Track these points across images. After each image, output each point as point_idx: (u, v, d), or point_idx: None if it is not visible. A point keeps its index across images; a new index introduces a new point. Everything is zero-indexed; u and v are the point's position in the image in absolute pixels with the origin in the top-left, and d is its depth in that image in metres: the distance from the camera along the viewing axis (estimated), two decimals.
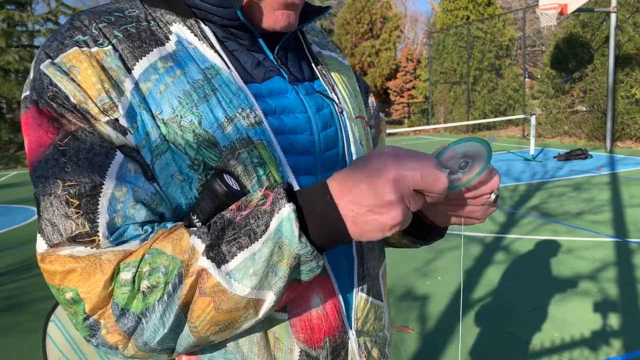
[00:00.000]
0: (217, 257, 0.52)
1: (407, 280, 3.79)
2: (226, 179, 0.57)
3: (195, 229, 0.56)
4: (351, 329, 0.68)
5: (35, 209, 7.56)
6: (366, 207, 0.51)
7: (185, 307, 0.54)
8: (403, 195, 0.51)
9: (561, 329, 2.91)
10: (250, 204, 0.54)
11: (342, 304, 0.67)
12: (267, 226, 0.52)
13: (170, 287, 0.53)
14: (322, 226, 0.53)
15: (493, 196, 0.57)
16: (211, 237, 0.53)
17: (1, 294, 3.94)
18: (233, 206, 0.55)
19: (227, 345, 0.62)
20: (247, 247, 0.52)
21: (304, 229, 0.52)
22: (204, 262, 0.52)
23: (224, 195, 0.56)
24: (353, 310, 0.69)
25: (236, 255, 0.52)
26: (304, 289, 0.63)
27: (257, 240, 0.52)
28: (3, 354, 2.94)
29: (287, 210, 0.51)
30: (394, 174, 0.50)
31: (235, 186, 0.57)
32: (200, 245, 0.53)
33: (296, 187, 0.63)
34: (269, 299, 0.55)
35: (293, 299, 0.63)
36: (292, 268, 0.53)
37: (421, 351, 2.76)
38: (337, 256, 0.67)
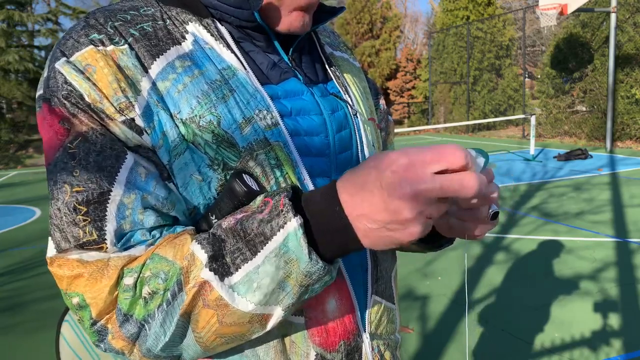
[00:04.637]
0: (221, 268, 0.51)
1: (407, 280, 3.79)
2: (246, 179, 0.56)
3: (198, 234, 0.54)
4: (365, 332, 0.68)
5: (36, 209, 7.56)
6: (380, 223, 0.47)
7: (187, 317, 0.53)
8: (421, 210, 0.45)
9: (561, 329, 2.91)
10: (248, 210, 0.52)
11: (357, 307, 0.66)
12: (266, 237, 0.49)
13: (169, 294, 0.52)
14: (332, 240, 0.50)
15: (491, 211, 0.54)
16: (213, 247, 0.51)
17: (1, 294, 3.93)
18: (229, 216, 0.53)
19: (243, 348, 0.61)
20: (250, 260, 0.50)
21: (313, 244, 0.49)
22: (206, 274, 0.51)
23: (243, 196, 0.55)
24: (367, 313, 0.68)
25: (240, 268, 0.50)
26: (321, 292, 0.61)
27: (259, 253, 0.50)
28: (3, 354, 2.94)
29: (293, 226, 0.48)
30: (410, 190, 0.44)
31: (255, 186, 0.57)
32: (199, 252, 0.51)
33: (311, 189, 0.61)
34: (277, 314, 0.53)
35: (309, 303, 0.62)
36: (302, 285, 0.51)
37: (421, 351, 2.76)
38: (351, 258, 0.66)
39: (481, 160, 0.50)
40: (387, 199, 0.45)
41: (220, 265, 0.51)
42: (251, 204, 0.54)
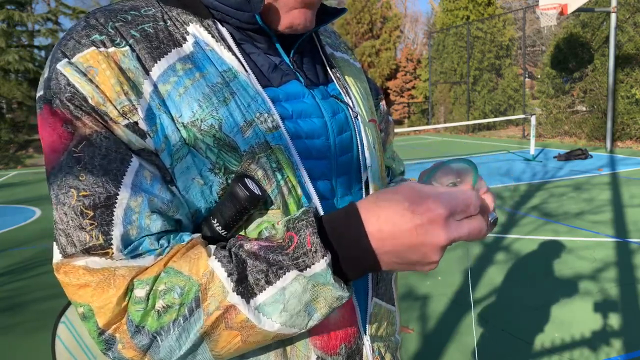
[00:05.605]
0: (245, 290, 0.51)
1: (407, 280, 3.79)
2: (248, 183, 0.56)
3: (213, 248, 0.54)
4: (366, 334, 0.68)
5: (36, 209, 7.56)
6: (407, 261, 0.51)
7: (207, 337, 0.53)
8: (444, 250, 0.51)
9: (561, 329, 2.91)
10: (273, 241, 0.53)
11: (358, 310, 0.67)
12: (290, 270, 0.51)
13: (185, 310, 0.52)
14: (358, 270, 0.53)
15: (491, 219, 0.57)
16: (237, 268, 0.51)
17: (1, 294, 3.93)
18: (252, 240, 0.54)
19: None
20: (274, 283, 0.51)
21: (339, 273, 0.52)
22: (233, 298, 0.51)
23: (246, 200, 0.55)
24: (368, 316, 0.68)
25: (265, 289, 0.51)
26: None
27: (282, 277, 0.51)
28: (3, 354, 2.94)
29: (322, 267, 0.50)
30: (446, 241, 0.49)
31: (257, 190, 0.57)
32: (219, 269, 0.51)
33: (312, 192, 0.62)
34: (297, 330, 0.55)
35: None
36: (331, 309, 0.54)
37: (421, 351, 2.76)
38: None
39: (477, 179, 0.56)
40: (421, 245, 0.49)
41: (245, 288, 0.51)
42: (273, 233, 0.54)
